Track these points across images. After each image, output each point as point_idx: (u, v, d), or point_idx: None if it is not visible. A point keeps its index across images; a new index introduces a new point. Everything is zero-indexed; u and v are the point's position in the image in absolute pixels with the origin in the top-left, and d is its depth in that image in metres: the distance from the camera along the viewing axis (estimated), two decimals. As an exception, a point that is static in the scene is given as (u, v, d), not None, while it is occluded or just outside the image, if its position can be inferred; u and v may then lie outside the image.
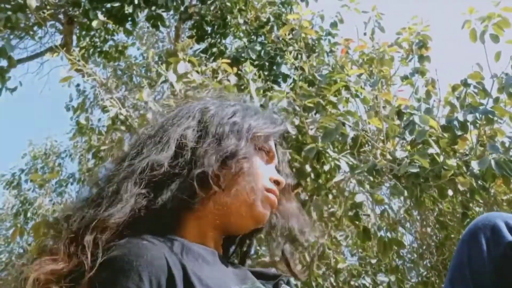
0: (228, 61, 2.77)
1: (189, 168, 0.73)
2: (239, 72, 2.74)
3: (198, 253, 0.68)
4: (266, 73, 4.14)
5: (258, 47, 4.35)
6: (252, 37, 4.75)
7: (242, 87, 2.66)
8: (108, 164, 0.82)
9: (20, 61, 5.01)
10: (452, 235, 3.08)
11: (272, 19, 4.66)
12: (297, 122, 2.37)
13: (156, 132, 0.79)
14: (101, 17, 3.96)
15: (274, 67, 4.34)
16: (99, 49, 4.66)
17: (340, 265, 3.35)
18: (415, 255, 3.33)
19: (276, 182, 0.81)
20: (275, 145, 0.86)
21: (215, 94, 0.95)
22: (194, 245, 0.70)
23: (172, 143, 0.75)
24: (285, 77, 4.44)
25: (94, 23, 3.88)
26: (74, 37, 4.74)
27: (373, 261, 3.53)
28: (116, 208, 0.68)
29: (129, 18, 4.28)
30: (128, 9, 4.08)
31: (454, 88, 2.88)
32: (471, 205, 2.91)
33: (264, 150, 0.82)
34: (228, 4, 4.66)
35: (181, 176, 0.72)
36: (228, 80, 2.60)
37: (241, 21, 4.75)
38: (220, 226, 0.76)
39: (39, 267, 0.64)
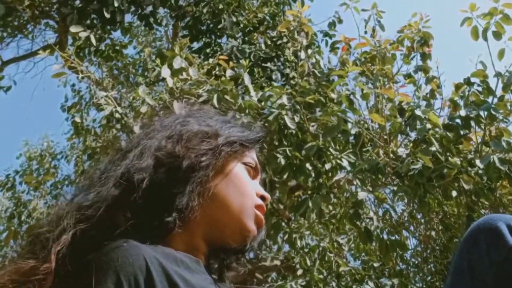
0: (225, 57, 2.71)
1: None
2: (235, 68, 2.67)
3: (180, 259, 0.66)
4: (261, 70, 4.05)
5: (247, 50, 4.25)
6: (246, 38, 4.67)
7: (239, 82, 2.59)
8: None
9: (13, 60, 4.93)
10: (457, 239, 3.01)
11: (268, 18, 4.60)
12: (297, 119, 2.29)
13: (133, 145, 0.78)
14: (80, 32, 3.80)
15: (269, 67, 4.25)
16: (94, 48, 4.58)
17: (342, 269, 3.27)
18: (419, 259, 3.25)
19: (262, 198, 0.80)
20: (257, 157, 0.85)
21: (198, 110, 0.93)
22: (178, 252, 0.67)
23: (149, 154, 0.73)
24: (281, 75, 4.34)
25: (81, 33, 3.78)
26: (69, 36, 4.66)
27: (376, 264, 3.44)
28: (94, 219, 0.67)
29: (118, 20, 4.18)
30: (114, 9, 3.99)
31: (457, 87, 2.81)
32: (476, 207, 2.83)
33: (250, 165, 0.81)
34: (221, 6, 4.61)
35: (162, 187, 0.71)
36: (225, 76, 2.53)
37: (238, 19, 4.69)
38: (208, 238, 0.75)
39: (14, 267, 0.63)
